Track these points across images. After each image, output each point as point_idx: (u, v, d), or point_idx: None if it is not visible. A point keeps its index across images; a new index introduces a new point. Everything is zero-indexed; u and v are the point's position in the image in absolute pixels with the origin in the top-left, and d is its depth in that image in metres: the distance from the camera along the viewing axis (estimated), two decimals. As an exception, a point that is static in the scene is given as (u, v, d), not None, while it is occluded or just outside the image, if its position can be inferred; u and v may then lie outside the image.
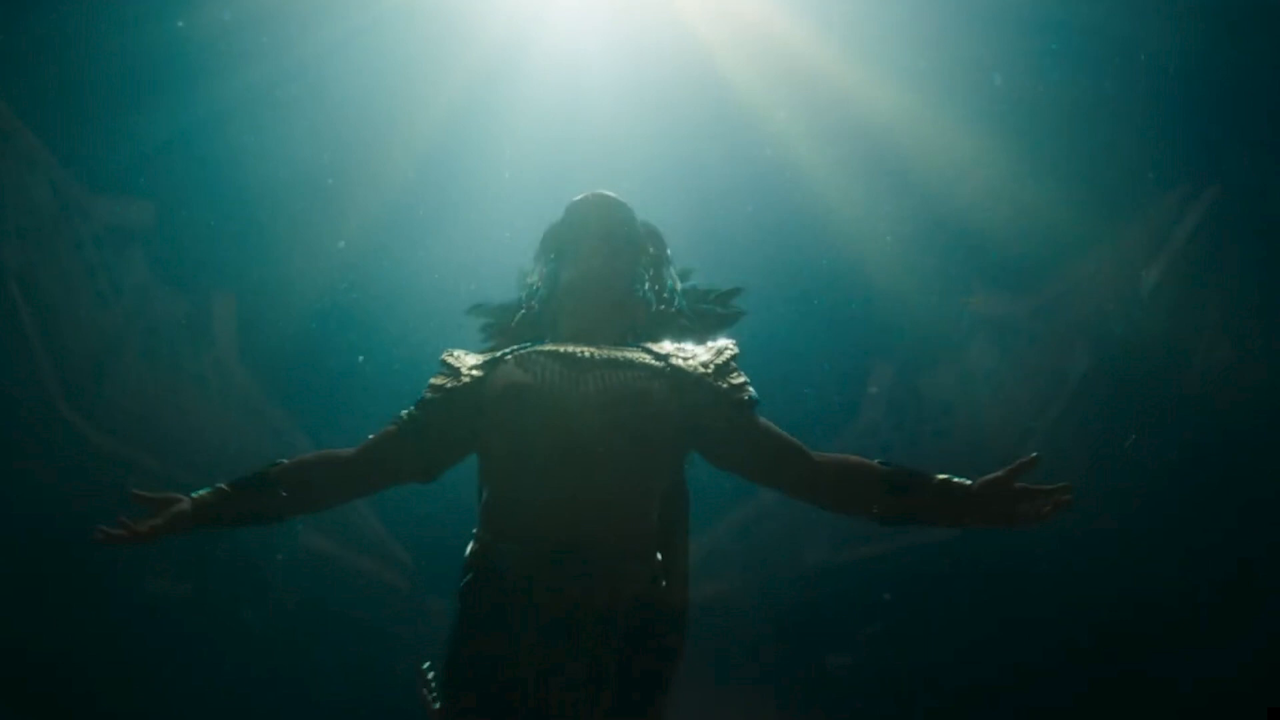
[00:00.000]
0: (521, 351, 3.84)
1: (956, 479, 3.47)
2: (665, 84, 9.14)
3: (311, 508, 3.92)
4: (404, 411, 3.84)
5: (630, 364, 3.73)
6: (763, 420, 3.74)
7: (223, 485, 3.64)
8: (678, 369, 3.75)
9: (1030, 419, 9.60)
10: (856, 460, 3.69)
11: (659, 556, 3.49)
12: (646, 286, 4.08)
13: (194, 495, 3.58)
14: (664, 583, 3.47)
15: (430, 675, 3.55)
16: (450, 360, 3.94)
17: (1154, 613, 8.41)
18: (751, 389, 3.75)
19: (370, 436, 3.81)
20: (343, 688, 9.34)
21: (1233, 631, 8.32)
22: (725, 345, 3.92)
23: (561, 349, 3.77)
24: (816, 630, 10.14)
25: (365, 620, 9.63)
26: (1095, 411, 9.25)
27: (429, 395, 3.86)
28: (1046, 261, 9.29)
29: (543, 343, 3.90)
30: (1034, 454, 3.41)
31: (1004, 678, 9.25)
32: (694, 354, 3.84)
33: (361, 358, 9.97)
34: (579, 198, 4.15)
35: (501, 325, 4.13)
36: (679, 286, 4.16)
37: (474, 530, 3.55)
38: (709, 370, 3.76)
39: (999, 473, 3.40)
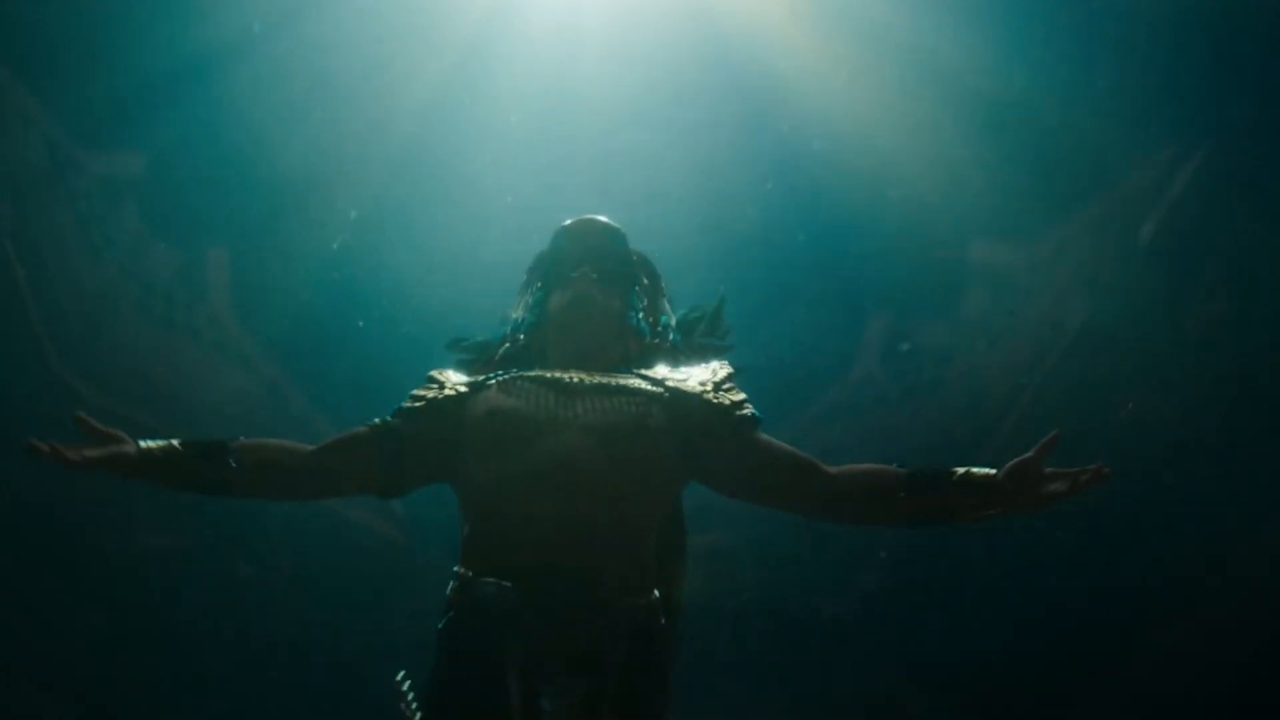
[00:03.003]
0: (506, 377, 3.69)
1: (979, 470, 3.38)
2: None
3: (258, 490, 3.72)
4: (378, 418, 3.71)
5: (625, 390, 3.60)
6: (767, 438, 3.62)
7: (175, 442, 3.48)
8: (675, 392, 3.63)
9: (1027, 370, 9.59)
10: (873, 467, 3.57)
11: (656, 593, 3.35)
12: (640, 316, 3.94)
13: (143, 443, 3.43)
14: (663, 620, 3.33)
15: (406, 688, 3.41)
16: (436, 375, 3.83)
17: (1153, 573, 8.43)
18: (751, 406, 3.65)
19: (336, 436, 3.69)
20: (338, 642, 9.35)
21: (1232, 587, 8.34)
22: (719, 365, 3.83)
23: (549, 374, 3.63)
24: (812, 581, 10.15)
25: (361, 574, 9.64)
26: (1092, 364, 9.24)
27: (408, 404, 3.73)
28: (1044, 213, 9.25)
29: (530, 370, 3.74)
30: (1055, 431, 3.30)
31: (1000, 634, 9.29)
32: (689, 375, 3.73)
33: (361, 323, 9.95)
34: (569, 222, 4.02)
35: (484, 361, 3.98)
36: (673, 321, 4.05)
37: (454, 568, 3.39)
38: (706, 388, 3.65)
39: (1025, 456, 3.29)
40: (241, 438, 3.58)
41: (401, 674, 3.42)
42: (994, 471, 3.35)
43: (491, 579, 3.24)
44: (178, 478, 3.49)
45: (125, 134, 8.77)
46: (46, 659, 8.47)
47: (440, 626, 3.28)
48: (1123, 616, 8.96)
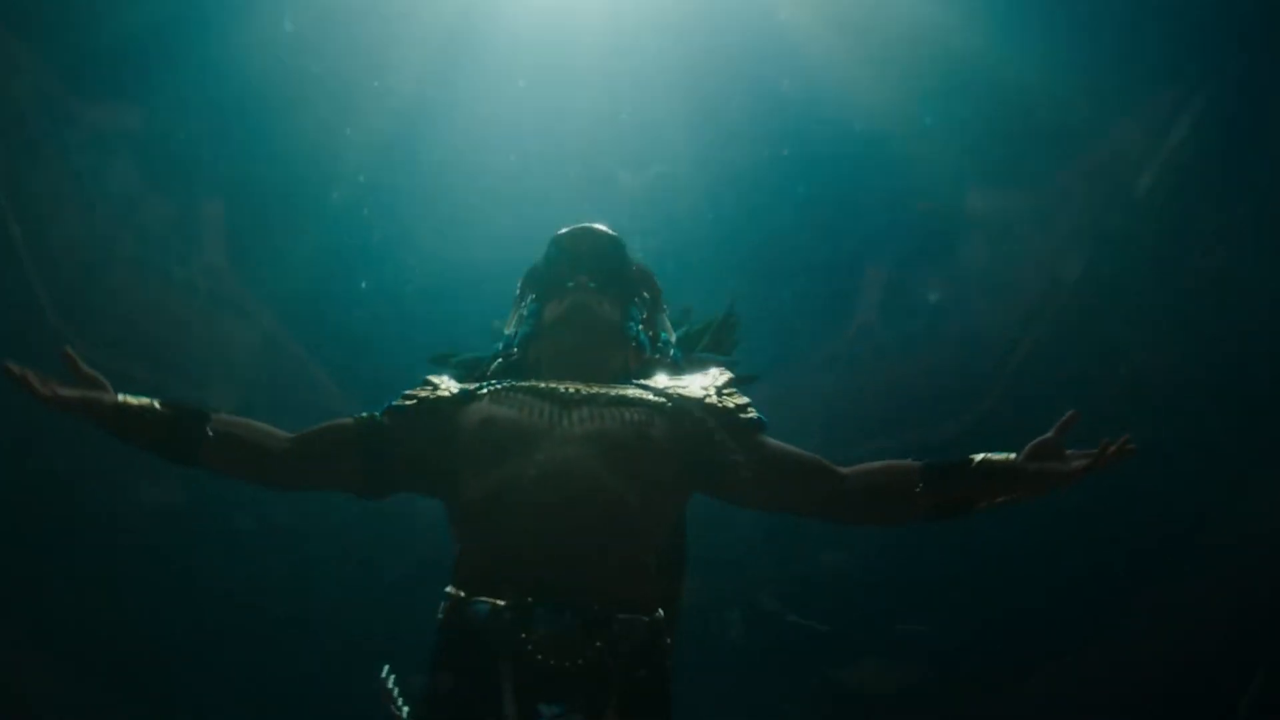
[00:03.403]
0: (500, 386, 3.57)
1: (996, 455, 3.31)
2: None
3: (229, 467, 3.55)
4: (365, 413, 3.60)
5: (625, 400, 3.47)
6: (774, 442, 3.54)
7: (155, 401, 3.40)
8: (677, 400, 3.51)
9: (1025, 322, 9.58)
10: (885, 463, 3.51)
11: (660, 611, 3.24)
12: (640, 328, 3.82)
13: (122, 396, 3.36)
14: (668, 640, 3.23)
15: (391, 684, 3.30)
16: (432, 379, 3.72)
17: (1154, 524, 8.44)
18: (755, 411, 3.56)
19: (318, 425, 3.58)
20: (335, 593, 9.37)
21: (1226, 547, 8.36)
22: (719, 371, 3.73)
23: (545, 385, 3.51)
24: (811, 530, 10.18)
25: (357, 525, 9.65)
26: (1090, 316, 9.24)
27: (398, 402, 3.62)
28: (1041, 161, 9.21)
29: (524, 380, 3.60)
30: (1073, 411, 3.24)
31: (996, 579, 9.30)
32: (689, 383, 3.63)
33: (364, 283, 9.93)
34: (565, 230, 3.89)
35: (475, 376, 3.82)
36: (673, 337, 3.93)
37: (446, 589, 3.26)
38: (708, 394, 3.56)
39: (1044, 436, 3.23)
40: (223, 413, 3.49)
41: (386, 670, 3.33)
42: (1013, 455, 3.29)
43: (485, 599, 3.13)
44: (149, 437, 3.40)
45: (119, 84, 8.70)
46: (41, 619, 8.48)
47: (431, 654, 3.18)
48: (1119, 575, 8.98)
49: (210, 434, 3.41)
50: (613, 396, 3.47)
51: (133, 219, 8.99)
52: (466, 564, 3.29)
